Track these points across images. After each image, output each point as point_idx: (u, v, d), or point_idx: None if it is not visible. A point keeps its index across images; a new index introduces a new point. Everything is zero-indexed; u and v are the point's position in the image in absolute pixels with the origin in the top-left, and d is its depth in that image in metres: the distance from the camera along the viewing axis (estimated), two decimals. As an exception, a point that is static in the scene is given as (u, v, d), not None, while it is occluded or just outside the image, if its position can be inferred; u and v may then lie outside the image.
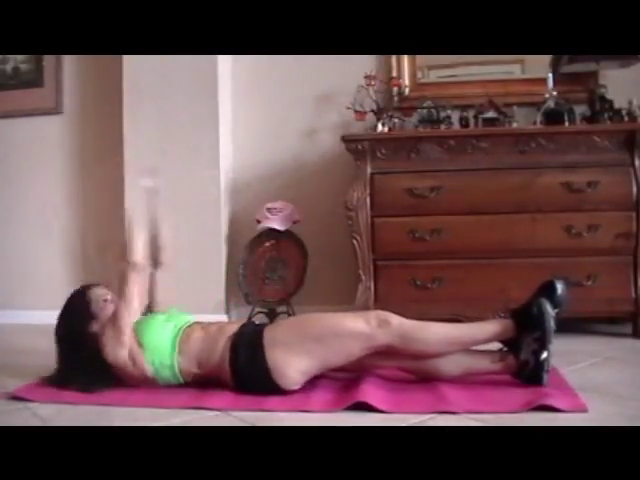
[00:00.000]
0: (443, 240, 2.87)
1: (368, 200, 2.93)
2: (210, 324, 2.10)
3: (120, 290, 2.06)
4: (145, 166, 2.10)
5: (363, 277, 2.94)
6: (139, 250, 2.09)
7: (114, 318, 2.03)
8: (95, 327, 2.09)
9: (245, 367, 1.92)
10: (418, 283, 2.89)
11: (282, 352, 1.88)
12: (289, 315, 3.23)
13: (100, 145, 3.69)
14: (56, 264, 3.75)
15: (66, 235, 3.76)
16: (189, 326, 2.08)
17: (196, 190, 3.32)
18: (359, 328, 1.89)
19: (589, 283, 2.78)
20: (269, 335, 1.93)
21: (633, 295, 2.80)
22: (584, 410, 1.71)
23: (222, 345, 1.96)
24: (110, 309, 2.11)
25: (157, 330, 2.03)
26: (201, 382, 2.01)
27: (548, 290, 1.95)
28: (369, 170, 2.95)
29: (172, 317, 2.12)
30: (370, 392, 1.86)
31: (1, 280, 3.77)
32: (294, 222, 3.28)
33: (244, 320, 2.15)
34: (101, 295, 2.17)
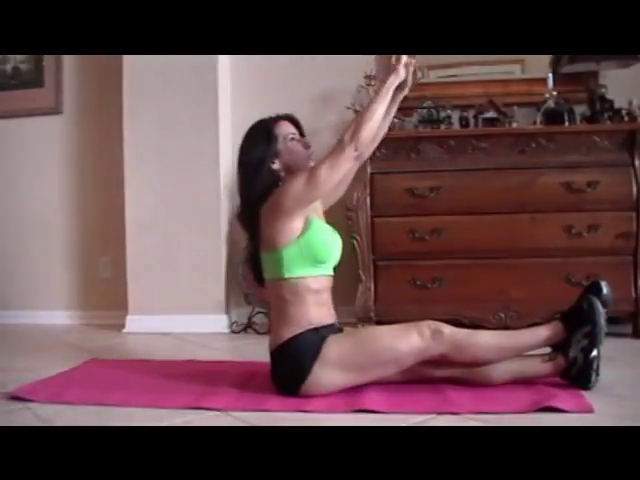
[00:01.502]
0: (443, 240, 2.87)
1: (368, 200, 2.93)
2: (325, 292, 2.03)
3: (333, 153, 1.90)
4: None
5: (363, 277, 2.94)
6: (373, 128, 1.91)
7: (312, 172, 1.89)
8: (276, 165, 1.99)
9: (289, 360, 1.90)
10: (418, 283, 2.89)
11: (332, 369, 1.87)
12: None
13: (100, 145, 3.69)
14: (56, 264, 3.76)
15: (66, 235, 3.76)
16: (321, 277, 2.01)
17: (196, 190, 3.32)
18: (414, 343, 1.88)
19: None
20: (327, 350, 1.89)
21: (633, 295, 2.80)
22: (590, 411, 1.71)
23: (301, 322, 1.92)
24: (296, 149, 2.01)
25: (324, 235, 1.97)
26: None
27: (595, 290, 1.95)
28: (369, 170, 2.95)
29: (334, 250, 2.04)
30: (372, 397, 1.86)
31: (1, 280, 3.77)
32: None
33: (334, 319, 2.08)
34: (288, 132, 2.04)
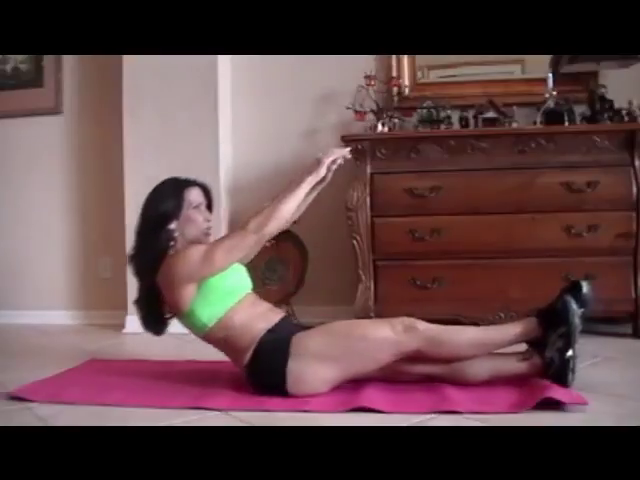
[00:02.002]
0: (443, 240, 2.87)
1: (368, 200, 2.93)
2: (260, 303, 2.06)
3: (233, 238, 1.95)
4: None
5: (363, 277, 2.94)
6: (277, 226, 1.96)
7: (208, 252, 1.92)
8: (172, 225, 2.02)
9: (262, 369, 1.91)
10: (418, 283, 2.89)
11: (308, 362, 1.88)
12: (289, 315, 3.23)
13: (100, 145, 3.69)
14: (56, 264, 3.76)
15: (66, 235, 3.76)
16: (244, 298, 2.03)
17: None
18: (386, 335, 1.89)
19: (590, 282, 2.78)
20: (297, 344, 1.91)
21: (633, 295, 2.80)
22: (584, 403, 1.72)
23: (254, 335, 1.94)
24: (195, 219, 2.04)
25: (218, 290, 1.97)
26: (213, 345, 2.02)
27: (573, 289, 1.95)
28: (369, 170, 2.95)
29: (239, 280, 2.06)
30: (371, 395, 1.86)
31: (1, 280, 3.77)
32: (294, 222, 3.27)
33: (285, 314, 2.11)
34: (195, 201, 2.07)
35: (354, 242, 2.93)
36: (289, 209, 1.95)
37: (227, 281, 2.00)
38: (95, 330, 3.41)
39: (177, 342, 2.99)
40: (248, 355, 1.93)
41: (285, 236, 3.30)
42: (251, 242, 1.94)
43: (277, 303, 3.27)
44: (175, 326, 2.03)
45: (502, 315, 2.82)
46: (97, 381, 2.18)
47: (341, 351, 1.90)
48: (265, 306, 2.08)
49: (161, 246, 2.00)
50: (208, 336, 2.01)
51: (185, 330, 2.07)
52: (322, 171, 2.02)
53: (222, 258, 1.92)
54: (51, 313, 3.66)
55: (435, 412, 1.74)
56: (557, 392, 1.77)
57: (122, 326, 3.34)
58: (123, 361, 2.55)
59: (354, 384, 1.96)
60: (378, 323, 1.98)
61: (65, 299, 3.71)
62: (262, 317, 2.00)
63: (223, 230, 3.36)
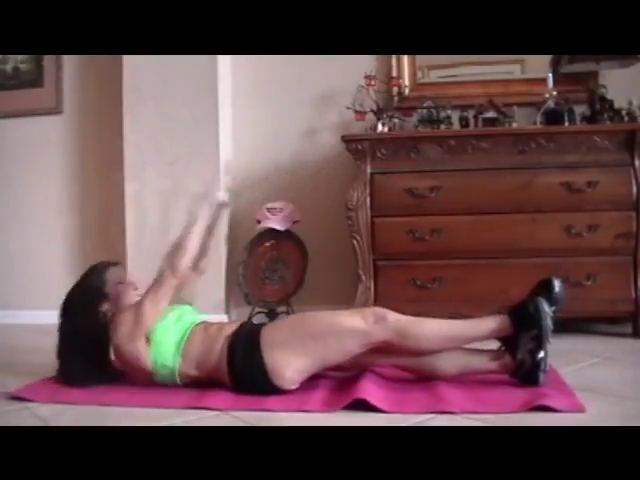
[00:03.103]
0: (443, 240, 2.87)
1: (368, 200, 2.93)
2: (211, 324, 2.10)
3: (154, 286, 2.04)
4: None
5: (363, 277, 2.94)
6: (188, 258, 2.09)
7: (138, 308, 2.01)
8: (105, 307, 2.11)
9: (242, 367, 1.91)
10: (418, 283, 2.89)
11: (279, 352, 1.88)
12: (289, 315, 3.23)
13: (100, 145, 3.70)
14: (56, 264, 3.76)
15: (66, 235, 3.76)
16: (195, 326, 2.07)
17: (196, 190, 3.32)
18: (356, 325, 1.89)
19: (589, 283, 2.78)
20: (266, 335, 1.92)
21: (633, 295, 2.80)
22: (581, 410, 1.71)
23: (220, 345, 1.95)
24: (124, 292, 2.13)
25: (166, 331, 2.02)
26: (199, 383, 2.01)
27: (545, 288, 1.94)
28: (369, 170, 2.95)
29: (182, 316, 2.10)
30: (370, 390, 1.86)
31: (1, 280, 3.77)
32: (294, 222, 3.29)
33: (243, 320, 2.14)
34: (117, 277, 2.18)
35: (354, 242, 2.93)
36: (193, 243, 2.10)
37: (171, 320, 2.04)
38: (95, 330, 3.40)
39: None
40: (224, 364, 1.93)
41: (285, 236, 3.31)
42: (172, 281, 2.04)
43: (277, 303, 3.29)
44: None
45: (500, 312, 2.81)
46: (97, 381, 2.17)
47: (310, 340, 1.89)
48: (219, 324, 2.11)
49: (100, 328, 2.08)
50: (184, 375, 2.00)
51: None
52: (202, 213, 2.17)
53: (151, 309, 2.01)
54: (51, 313, 3.65)
55: (434, 412, 1.74)
56: (554, 400, 1.75)
57: (122, 326, 3.33)
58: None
59: (352, 382, 1.96)
60: (349, 313, 1.96)
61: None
62: (219, 330, 2.01)
63: (223, 230, 3.36)
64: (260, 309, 3.30)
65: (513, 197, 2.84)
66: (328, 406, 1.81)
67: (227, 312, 3.36)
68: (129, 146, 3.38)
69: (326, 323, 1.92)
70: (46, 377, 2.19)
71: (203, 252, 2.26)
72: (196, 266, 2.23)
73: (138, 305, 2.03)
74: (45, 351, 2.91)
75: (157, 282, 2.04)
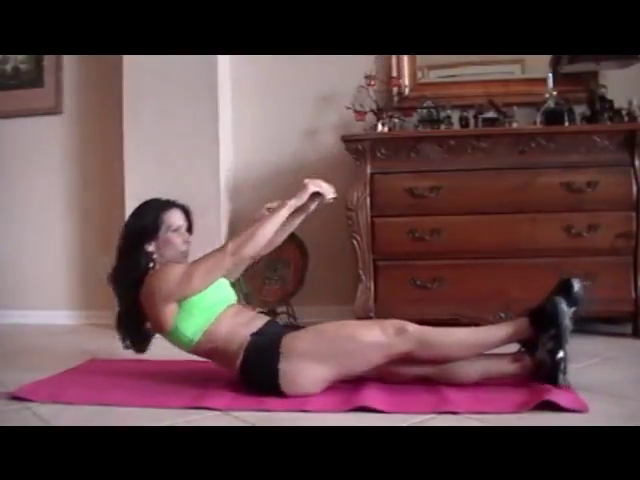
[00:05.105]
0: (443, 240, 2.87)
1: (368, 200, 2.93)
2: (242, 311, 2.08)
3: (211, 259, 1.97)
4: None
5: (363, 277, 2.94)
6: (254, 250, 1.99)
7: (187, 275, 1.95)
8: (151, 248, 2.05)
9: (255, 370, 1.92)
10: (418, 283, 2.89)
11: (299, 362, 1.88)
12: (289, 315, 3.23)
13: (100, 145, 3.69)
14: (56, 264, 3.75)
15: (66, 235, 3.76)
16: (226, 309, 2.05)
17: (196, 190, 3.32)
18: (376, 338, 1.89)
19: (589, 283, 2.78)
20: (287, 344, 1.91)
21: (633, 295, 2.80)
22: (585, 409, 1.71)
23: (241, 340, 1.95)
24: (172, 241, 2.07)
25: (199, 306, 1.99)
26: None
27: (564, 288, 1.94)
28: (369, 170, 2.95)
29: (218, 292, 2.06)
30: (371, 395, 1.86)
31: (1, 280, 3.77)
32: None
33: (267, 317, 2.12)
34: (173, 222, 2.10)
35: (354, 242, 2.93)
36: (267, 232, 1.99)
37: (209, 297, 2.02)
38: (95, 330, 3.40)
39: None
40: (239, 360, 1.94)
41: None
42: (229, 264, 1.98)
43: (277, 303, 3.29)
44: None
45: (502, 315, 2.81)
46: (97, 381, 2.18)
47: (331, 352, 1.89)
48: (249, 314, 2.10)
49: (139, 267, 2.03)
50: (195, 349, 2.02)
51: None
52: (304, 196, 2.07)
53: (200, 280, 1.96)
54: (51, 313, 3.66)
55: (435, 412, 1.74)
56: (557, 395, 1.76)
57: (122, 326, 3.34)
58: (123, 361, 2.54)
59: (354, 384, 1.97)
60: (369, 325, 1.98)
61: (65, 299, 3.71)
62: (246, 324, 2.01)
63: (223, 230, 3.36)
64: (260, 309, 3.29)
65: (513, 197, 2.84)
66: (328, 407, 1.81)
67: (227, 312, 3.36)
68: (129, 146, 3.38)
69: (347, 336, 1.92)
70: (46, 377, 2.19)
71: (281, 234, 2.21)
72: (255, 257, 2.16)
73: (188, 270, 1.96)
74: (45, 351, 2.91)
75: (216, 256, 1.97)
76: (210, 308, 2.01)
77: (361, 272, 2.94)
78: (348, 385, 1.98)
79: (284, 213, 2.03)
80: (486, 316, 2.82)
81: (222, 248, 1.99)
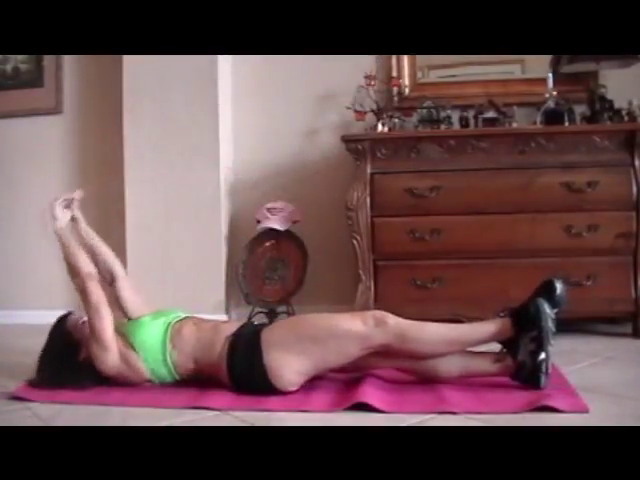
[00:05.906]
0: (443, 240, 2.87)
1: (368, 200, 2.93)
2: (202, 321, 2.10)
3: (84, 303, 2.07)
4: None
5: (363, 277, 2.94)
6: (81, 260, 2.16)
7: (91, 331, 2.04)
8: (83, 354, 2.11)
9: (242, 369, 1.91)
10: (418, 283, 2.89)
11: (279, 354, 1.88)
12: (289, 315, 3.23)
13: (100, 145, 3.69)
14: (56, 264, 3.73)
15: (66, 235, 3.76)
16: (179, 321, 2.08)
17: (196, 190, 3.32)
18: (356, 328, 1.88)
19: (589, 283, 2.78)
20: (266, 336, 1.92)
21: (633, 295, 2.80)
22: (585, 411, 1.71)
23: (220, 345, 1.95)
24: (85, 329, 2.12)
25: (145, 328, 2.04)
26: (199, 379, 2.01)
27: (547, 289, 1.93)
28: (369, 170, 2.95)
29: (160, 314, 2.12)
30: (370, 392, 1.86)
31: (1, 280, 3.77)
32: (294, 222, 3.29)
33: (240, 321, 2.14)
34: (76, 320, 2.19)
35: (354, 242, 2.93)
36: (70, 260, 2.18)
37: (148, 333, 2.04)
38: (95, 330, 3.40)
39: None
40: (224, 366, 1.94)
41: (285, 236, 3.31)
42: (91, 285, 2.07)
43: (277, 303, 3.29)
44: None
45: (502, 315, 2.81)
46: (97, 381, 2.17)
47: (310, 342, 1.88)
48: (211, 322, 2.10)
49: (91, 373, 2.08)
50: (183, 374, 2.03)
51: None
52: (58, 214, 2.32)
53: (97, 349, 2.02)
54: (51, 313, 3.65)
55: (435, 412, 1.74)
56: (557, 400, 1.75)
57: (122, 326, 3.34)
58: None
59: (353, 383, 1.97)
60: (349, 316, 1.95)
61: (65, 299, 3.70)
62: (215, 329, 2.02)
63: (223, 230, 3.36)
64: (260, 309, 3.30)
65: (513, 197, 2.84)
66: (328, 407, 1.81)
67: (227, 312, 3.36)
68: (129, 146, 3.38)
69: (325, 325, 1.91)
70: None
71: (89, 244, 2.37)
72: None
73: (89, 328, 2.05)
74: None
75: (82, 298, 2.08)
76: (156, 323, 2.05)
77: (361, 272, 2.94)
78: (347, 384, 1.98)
79: (60, 240, 2.28)
80: (486, 316, 2.81)
81: (83, 293, 2.09)
